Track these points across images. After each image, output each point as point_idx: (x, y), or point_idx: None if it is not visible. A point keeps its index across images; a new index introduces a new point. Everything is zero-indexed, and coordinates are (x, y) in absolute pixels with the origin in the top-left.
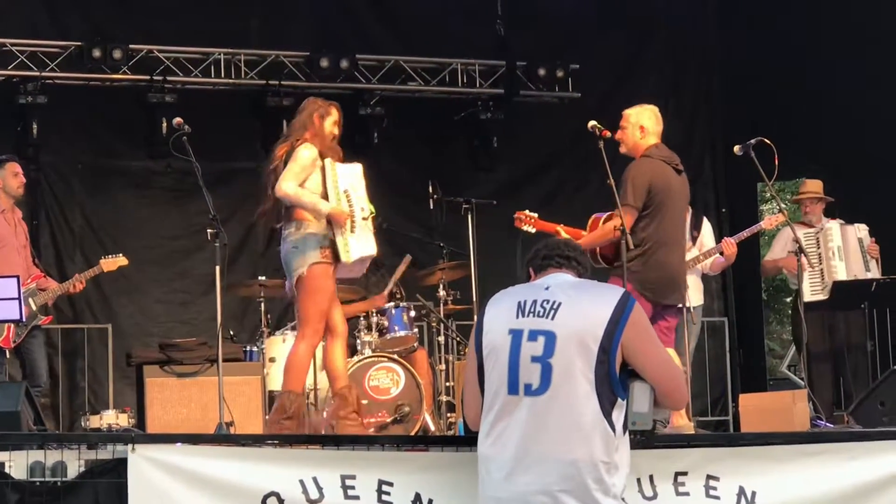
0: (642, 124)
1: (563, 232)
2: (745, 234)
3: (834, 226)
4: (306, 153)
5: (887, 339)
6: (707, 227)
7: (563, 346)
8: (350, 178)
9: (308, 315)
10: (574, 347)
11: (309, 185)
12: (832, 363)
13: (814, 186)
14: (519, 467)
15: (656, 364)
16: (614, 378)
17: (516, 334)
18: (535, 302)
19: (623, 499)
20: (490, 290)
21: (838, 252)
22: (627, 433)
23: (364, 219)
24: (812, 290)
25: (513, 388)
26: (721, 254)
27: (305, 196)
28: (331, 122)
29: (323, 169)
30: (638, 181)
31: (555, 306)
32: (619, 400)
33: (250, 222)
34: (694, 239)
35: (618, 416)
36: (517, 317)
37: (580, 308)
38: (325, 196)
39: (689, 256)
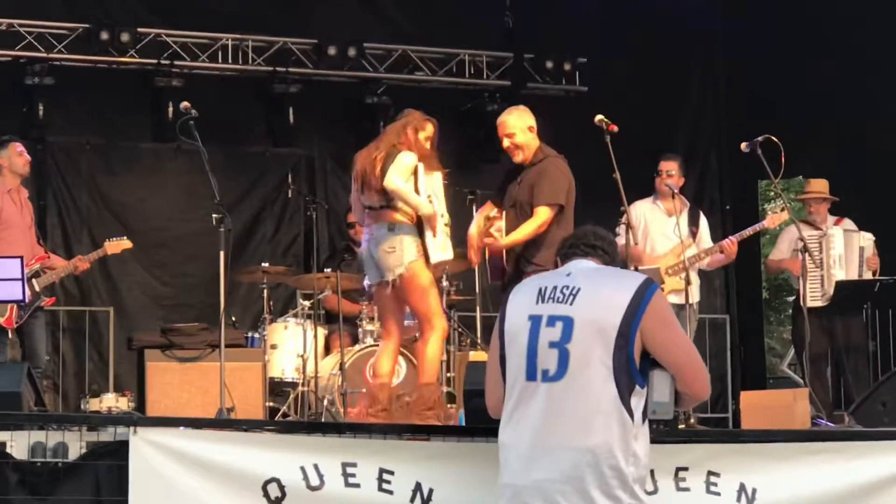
0: (529, 125)
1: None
2: (747, 232)
3: (837, 232)
4: (409, 159)
5: (889, 340)
6: (704, 222)
7: (581, 332)
8: (433, 185)
9: (429, 310)
10: (592, 333)
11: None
12: (831, 364)
13: (818, 186)
14: (536, 455)
15: (677, 353)
16: (633, 365)
17: (535, 320)
18: (555, 288)
19: (641, 492)
20: (492, 282)
21: (839, 260)
22: (647, 423)
23: (446, 225)
24: (811, 297)
25: (531, 375)
26: (721, 252)
27: (411, 194)
28: (423, 137)
29: (416, 175)
30: (561, 181)
31: (574, 292)
32: (638, 387)
33: (258, 207)
34: (693, 234)
35: (637, 403)
36: (537, 303)
37: (599, 294)
38: None
39: (688, 253)
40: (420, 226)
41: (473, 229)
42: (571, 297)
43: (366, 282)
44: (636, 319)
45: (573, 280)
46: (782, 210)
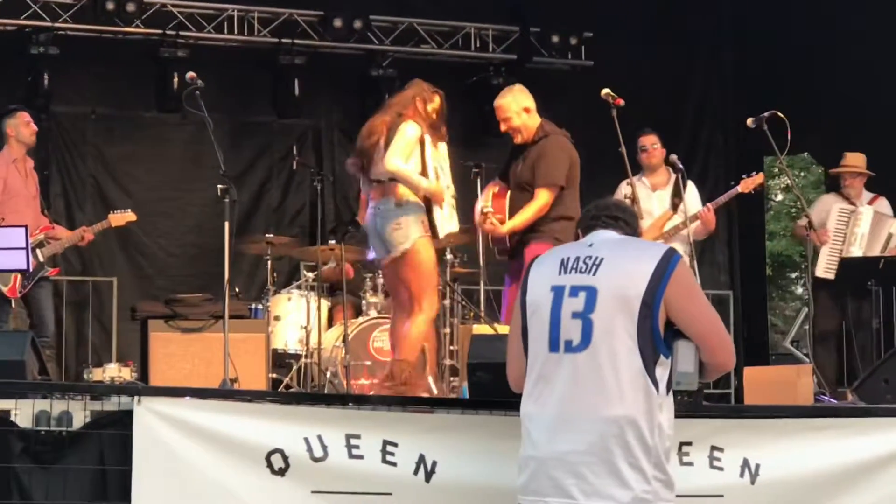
0: (525, 106)
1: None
2: (722, 199)
3: (867, 211)
4: (412, 131)
5: (892, 318)
6: (692, 191)
7: (605, 302)
8: (439, 157)
9: (423, 289)
10: (616, 303)
11: (409, 163)
12: (840, 341)
13: (854, 160)
14: (560, 427)
15: (701, 322)
16: (657, 335)
17: (558, 291)
18: (577, 259)
19: (667, 463)
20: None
21: (860, 239)
22: (671, 394)
23: (452, 196)
24: (826, 268)
25: (554, 346)
26: (698, 220)
27: (413, 174)
28: (431, 109)
29: (423, 146)
30: (561, 161)
31: (597, 262)
32: (663, 357)
33: (264, 178)
34: (675, 206)
35: (661, 373)
36: (559, 273)
37: (623, 263)
38: (423, 173)
39: (671, 224)
40: (426, 201)
41: (480, 206)
42: (594, 268)
43: (370, 255)
44: (660, 289)
45: (596, 250)
46: (757, 173)
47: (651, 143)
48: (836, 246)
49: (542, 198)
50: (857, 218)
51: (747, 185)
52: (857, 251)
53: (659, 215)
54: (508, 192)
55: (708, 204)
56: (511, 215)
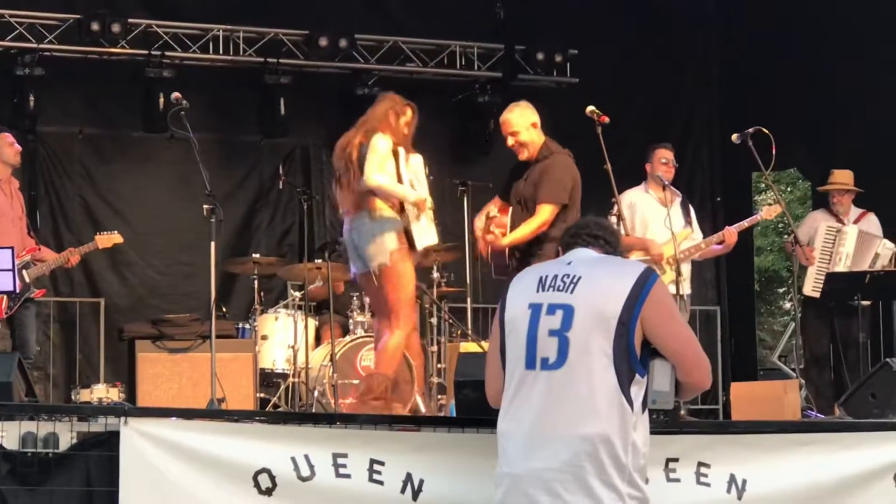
0: (532, 121)
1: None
2: (745, 223)
3: (852, 231)
4: (384, 143)
5: (879, 332)
6: (693, 212)
7: (581, 320)
8: (413, 169)
9: (399, 303)
10: (592, 321)
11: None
12: (831, 355)
13: (841, 177)
14: (535, 443)
15: (677, 341)
16: (633, 354)
17: (535, 308)
18: (555, 276)
19: (641, 481)
20: (484, 273)
21: (845, 259)
22: (647, 412)
23: (430, 208)
24: (814, 287)
25: (530, 363)
26: (720, 242)
27: (395, 186)
28: (403, 122)
29: (397, 158)
30: (565, 179)
31: (574, 280)
32: (638, 376)
33: (254, 197)
34: (689, 224)
35: (636, 392)
36: (537, 291)
37: (600, 282)
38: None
39: (687, 245)
40: (403, 213)
41: (479, 223)
42: (572, 286)
43: (352, 270)
44: (637, 308)
45: (574, 269)
46: (777, 202)
47: (672, 158)
48: (823, 265)
49: (544, 213)
50: (842, 237)
51: (770, 212)
52: (842, 270)
53: (678, 233)
54: (510, 209)
55: (730, 228)
56: (512, 231)
